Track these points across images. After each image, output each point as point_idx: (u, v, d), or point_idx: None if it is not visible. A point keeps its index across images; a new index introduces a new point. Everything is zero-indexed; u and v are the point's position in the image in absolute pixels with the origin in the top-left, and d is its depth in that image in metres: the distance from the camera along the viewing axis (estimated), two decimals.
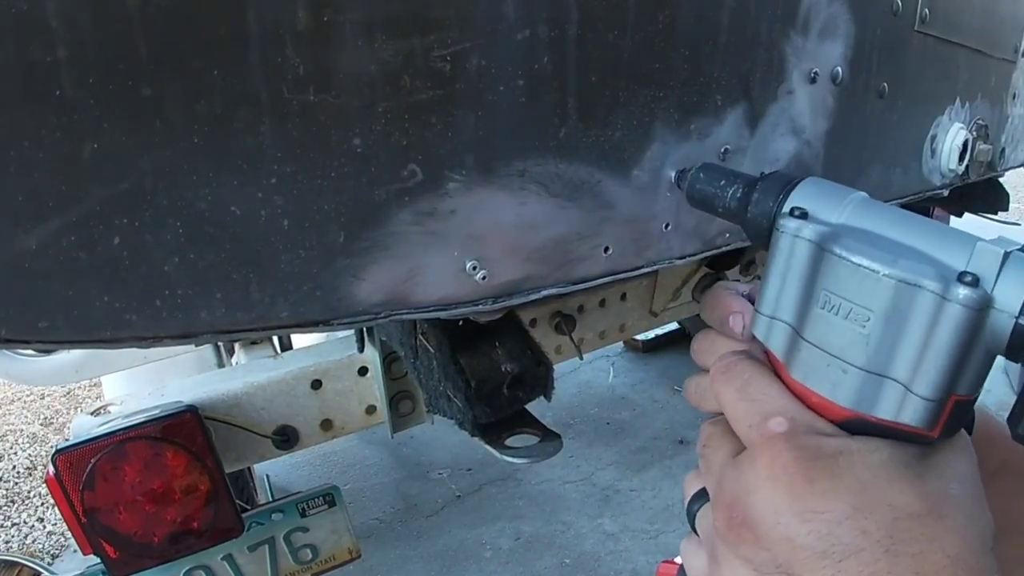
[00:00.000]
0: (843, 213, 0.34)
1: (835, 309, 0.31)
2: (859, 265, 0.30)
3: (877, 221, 0.33)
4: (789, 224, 0.34)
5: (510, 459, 0.74)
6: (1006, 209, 1.66)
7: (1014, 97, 1.20)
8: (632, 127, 0.53)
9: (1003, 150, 1.21)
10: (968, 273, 0.28)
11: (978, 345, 0.29)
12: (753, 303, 0.38)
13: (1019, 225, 2.65)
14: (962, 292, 0.28)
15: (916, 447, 0.31)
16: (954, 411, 0.30)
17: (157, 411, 0.87)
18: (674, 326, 3.24)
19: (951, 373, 0.29)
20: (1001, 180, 1.54)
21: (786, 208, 0.36)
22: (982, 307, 0.28)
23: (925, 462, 0.31)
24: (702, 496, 0.38)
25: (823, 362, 0.32)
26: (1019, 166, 1.36)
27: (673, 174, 0.43)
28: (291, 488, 2.30)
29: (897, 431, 0.31)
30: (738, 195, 0.40)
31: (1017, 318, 0.27)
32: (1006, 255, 0.28)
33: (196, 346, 0.95)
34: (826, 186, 0.37)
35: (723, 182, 0.42)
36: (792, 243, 0.33)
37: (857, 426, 0.32)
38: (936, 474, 0.30)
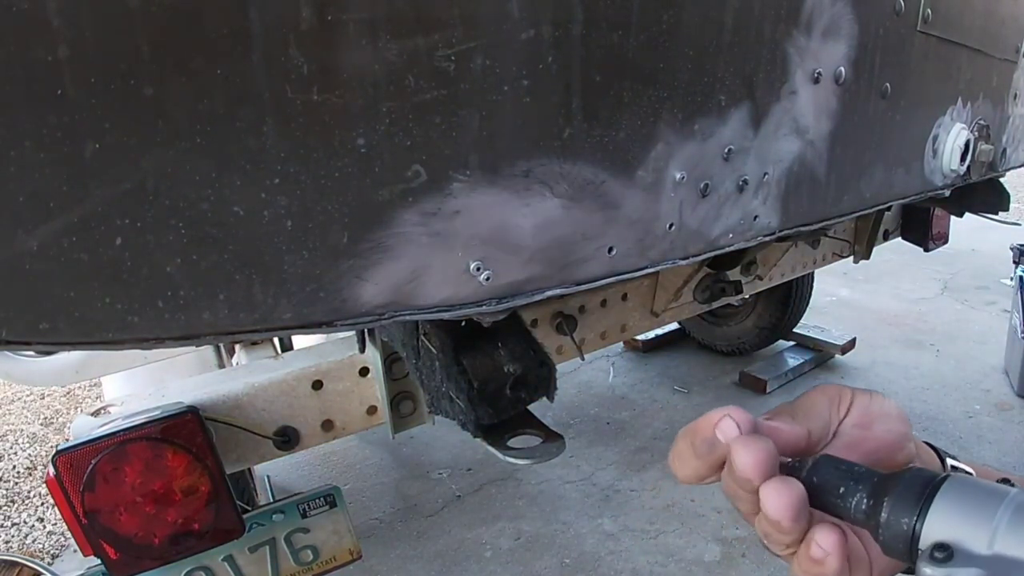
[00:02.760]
0: (996, 535, 0.29)
1: None
2: None
3: None
4: (934, 574, 0.29)
5: (513, 460, 0.74)
6: (1007, 209, 1.66)
7: (1015, 97, 1.20)
8: (636, 127, 0.52)
9: (1004, 150, 1.21)
10: None
11: None
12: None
13: (1019, 225, 2.65)
14: None
15: None
16: None
17: (158, 412, 0.86)
18: (674, 326, 3.24)
19: None
20: (1002, 180, 1.54)
21: (924, 544, 0.30)
22: None
23: None
24: None
25: None
26: (1020, 166, 1.35)
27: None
28: (292, 489, 2.30)
29: None
30: (863, 507, 0.34)
31: None
32: None
33: (197, 347, 0.95)
34: (969, 494, 0.31)
35: (842, 489, 0.35)
36: None
37: None
38: None
